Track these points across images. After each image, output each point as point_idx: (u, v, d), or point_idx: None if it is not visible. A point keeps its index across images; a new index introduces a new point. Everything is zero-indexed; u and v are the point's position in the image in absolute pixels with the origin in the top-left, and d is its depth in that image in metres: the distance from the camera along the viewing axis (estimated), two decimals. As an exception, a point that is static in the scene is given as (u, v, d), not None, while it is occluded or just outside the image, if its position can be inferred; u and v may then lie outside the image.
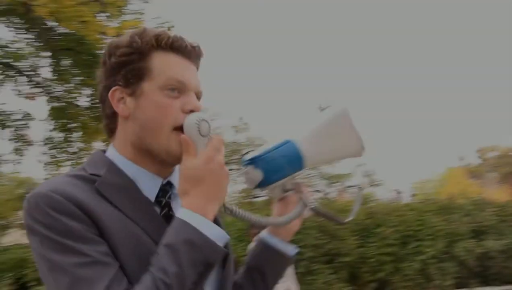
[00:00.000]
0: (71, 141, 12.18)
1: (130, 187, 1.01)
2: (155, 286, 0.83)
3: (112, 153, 1.08)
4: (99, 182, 0.98)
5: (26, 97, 12.88)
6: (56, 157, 12.23)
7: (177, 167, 1.08)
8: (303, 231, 8.54)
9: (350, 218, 1.32)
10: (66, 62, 11.89)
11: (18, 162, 12.86)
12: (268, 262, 1.23)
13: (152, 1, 11.80)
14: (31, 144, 12.87)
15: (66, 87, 12.31)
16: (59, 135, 12.13)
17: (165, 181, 1.08)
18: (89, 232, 0.89)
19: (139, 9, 11.25)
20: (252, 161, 1.15)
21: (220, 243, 0.92)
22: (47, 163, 12.28)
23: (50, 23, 10.71)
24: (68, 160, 12.13)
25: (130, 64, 1.03)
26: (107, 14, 10.47)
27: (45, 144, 12.39)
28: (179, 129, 1.00)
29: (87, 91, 11.84)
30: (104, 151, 1.11)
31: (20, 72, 12.62)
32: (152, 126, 1.00)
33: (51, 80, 12.39)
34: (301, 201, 1.20)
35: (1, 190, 22.81)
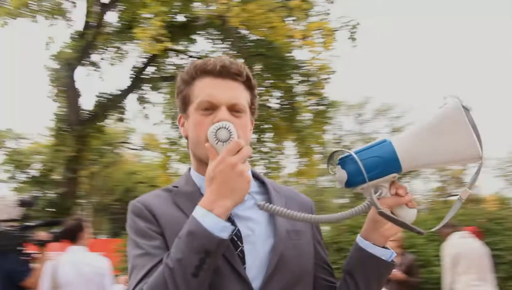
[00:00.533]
0: (264, 142, 12.85)
1: (195, 193, 1.19)
2: (162, 270, 1.00)
3: (190, 169, 1.29)
4: (174, 192, 1.21)
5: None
6: (250, 157, 13.05)
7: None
8: (502, 232, 7.53)
9: (435, 228, 1.19)
10: (257, 66, 12.60)
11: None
12: (358, 265, 1.22)
13: (337, 1, 11.69)
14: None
15: (258, 90, 13.05)
16: (252, 136, 12.92)
17: None
18: (150, 230, 1.11)
19: (324, 10, 11.32)
20: (341, 161, 1.12)
21: (220, 234, 1.00)
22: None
23: (242, 32, 11.46)
24: (262, 159, 12.84)
25: (182, 93, 1.23)
26: (294, 18, 10.76)
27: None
28: None
29: (277, 93, 12.38)
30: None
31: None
32: (195, 140, 1.18)
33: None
34: (367, 201, 1.11)
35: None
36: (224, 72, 1.18)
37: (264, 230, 1.17)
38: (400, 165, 1.09)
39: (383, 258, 1.21)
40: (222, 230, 1.00)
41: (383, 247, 1.22)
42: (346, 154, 1.12)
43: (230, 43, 11.75)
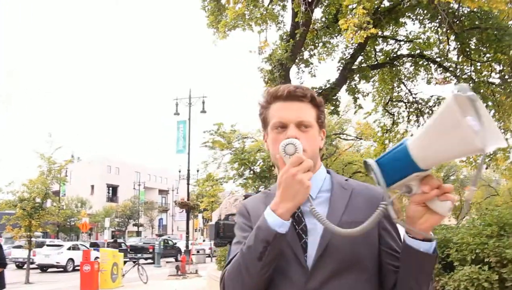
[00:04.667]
0: (486, 121, 11.83)
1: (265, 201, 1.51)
2: (238, 254, 1.35)
3: None
4: (266, 195, 1.55)
5: (437, 83, 13.39)
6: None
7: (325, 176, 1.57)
8: None
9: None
10: (472, 41, 11.70)
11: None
12: (402, 259, 1.34)
13: None
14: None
15: (475, 66, 12.12)
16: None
17: None
18: (245, 224, 1.49)
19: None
20: (366, 166, 1.24)
21: (278, 229, 1.26)
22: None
23: (453, 6, 10.78)
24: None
25: (261, 116, 1.53)
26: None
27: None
28: None
29: (498, 67, 11.31)
30: None
31: (430, 60, 13.26)
32: (272, 154, 1.46)
33: (460, 62, 12.44)
34: (380, 210, 1.21)
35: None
36: (291, 96, 1.46)
37: None
38: (417, 165, 1.14)
39: (422, 250, 1.27)
40: (281, 226, 1.27)
41: (424, 240, 1.28)
42: (369, 162, 1.23)
43: (439, 20, 11.16)
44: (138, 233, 59.40)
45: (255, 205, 1.52)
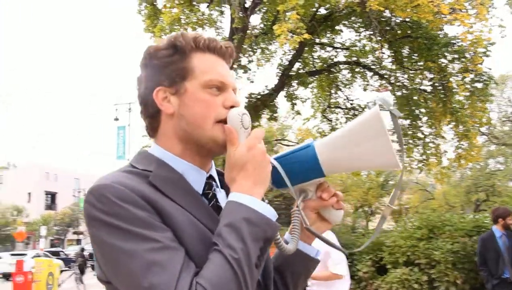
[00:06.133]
0: (418, 127, 12.21)
1: (180, 180, 1.05)
2: (227, 262, 0.87)
3: (157, 150, 1.10)
4: (153, 176, 1.01)
5: (376, 90, 13.66)
6: (404, 144, 12.48)
7: (213, 162, 1.15)
8: None
9: (362, 247, 1.26)
10: (404, 50, 12.01)
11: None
12: (285, 262, 1.22)
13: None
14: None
15: (408, 74, 12.46)
16: (406, 123, 12.34)
17: (208, 174, 1.12)
18: (155, 220, 0.92)
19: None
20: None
21: (274, 219, 0.97)
22: (397, 151, 12.68)
23: (385, 15, 11.03)
24: (416, 146, 12.22)
25: (173, 64, 1.08)
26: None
27: (392, 133, 12.82)
28: (222, 122, 1.05)
29: (428, 74, 11.66)
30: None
31: (366, 67, 13.52)
32: (198, 121, 1.05)
33: (394, 70, 12.75)
34: (296, 216, 1.12)
35: (364, 179, 24.93)
36: (223, 53, 1.12)
37: None
38: (322, 171, 1.08)
39: (312, 255, 1.23)
40: (275, 216, 0.98)
41: (310, 244, 1.23)
42: (273, 163, 1.08)
43: (373, 29, 11.39)
44: (78, 241, 57.37)
45: (145, 192, 0.95)
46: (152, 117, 1.11)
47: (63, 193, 62.94)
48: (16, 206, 53.72)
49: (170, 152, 1.09)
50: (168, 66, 1.08)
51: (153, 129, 1.13)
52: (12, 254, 26.04)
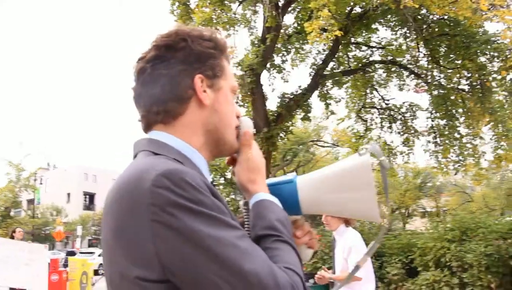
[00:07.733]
0: (455, 127, 11.87)
1: (200, 174, 0.96)
2: (293, 249, 0.95)
3: (173, 141, 1.02)
4: (194, 170, 0.95)
5: (415, 91, 13.38)
6: (440, 145, 12.16)
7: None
8: None
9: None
10: (441, 48, 11.71)
11: (408, 153, 13.50)
12: None
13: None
14: (419, 135, 13.26)
15: (446, 73, 12.14)
16: (442, 123, 12.02)
17: None
18: (227, 209, 0.91)
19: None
20: None
21: None
22: (433, 152, 12.40)
23: (422, 13, 10.79)
24: (452, 146, 11.87)
25: (215, 58, 1.06)
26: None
27: (430, 133, 12.52)
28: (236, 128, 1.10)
29: (467, 73, 11.32)
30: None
31: (402, 66, 13.26)
32: (229, 120, 1.07)
33: (430, 69, 12.45)
34: None
35: (401, 181, 24.42)
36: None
37: None
38: (300, 210, 1.08)
39: None
40: None
41: None
42: None
43: (408, 27, 11.16)
44: (116, 241, 58.54)
45: (208, 186, 0.91)
46: (179, 101, 1.02)
47: (102, 193, 64.50)
48: (55, 206, 55.30)
49: (189, 144, 1.03)
50: (211, 58, 1.05)
51: (171, 115, 1.03)
52: (81, 253, 26.22)
